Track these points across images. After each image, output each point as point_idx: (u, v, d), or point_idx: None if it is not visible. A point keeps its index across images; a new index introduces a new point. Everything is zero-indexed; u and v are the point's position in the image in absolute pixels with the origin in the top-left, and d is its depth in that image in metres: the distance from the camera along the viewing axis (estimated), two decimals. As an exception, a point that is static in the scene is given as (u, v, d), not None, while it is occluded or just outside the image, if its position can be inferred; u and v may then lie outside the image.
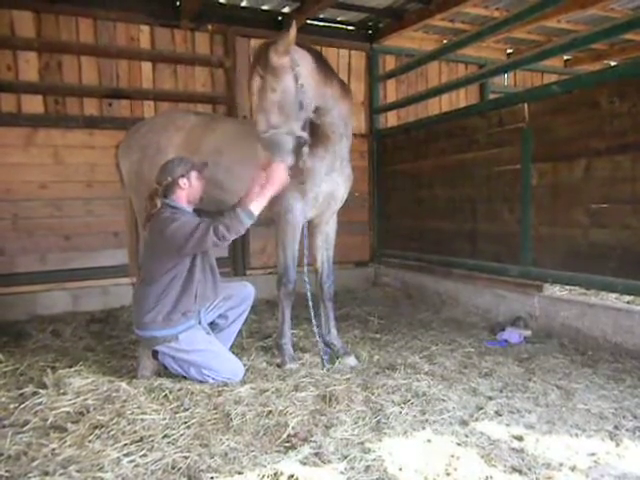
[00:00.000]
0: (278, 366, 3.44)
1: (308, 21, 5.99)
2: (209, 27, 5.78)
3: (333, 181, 3.48)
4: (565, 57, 8.13)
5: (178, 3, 5.51)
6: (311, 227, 3.75)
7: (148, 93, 5.59)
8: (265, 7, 5.96)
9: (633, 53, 7.39)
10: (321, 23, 6.32)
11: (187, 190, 3.21)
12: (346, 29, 6.52)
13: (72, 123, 5.25)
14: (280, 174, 3.00)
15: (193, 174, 3.23)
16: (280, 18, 6.05)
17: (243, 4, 5.87)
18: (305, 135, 3.08)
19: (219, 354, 3.20)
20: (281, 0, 5.74)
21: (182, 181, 3.19)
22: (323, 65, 3.24)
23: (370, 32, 6.64)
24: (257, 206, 3.04)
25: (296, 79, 2.98)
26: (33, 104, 5.13)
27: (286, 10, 5.98)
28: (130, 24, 5.48)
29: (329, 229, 3.75)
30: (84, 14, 5.26)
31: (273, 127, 2.94)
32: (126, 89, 5.49)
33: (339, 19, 6.39)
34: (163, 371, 3.26)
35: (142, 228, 3.71)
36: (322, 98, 3.18)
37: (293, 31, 2.93)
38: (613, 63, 7.61)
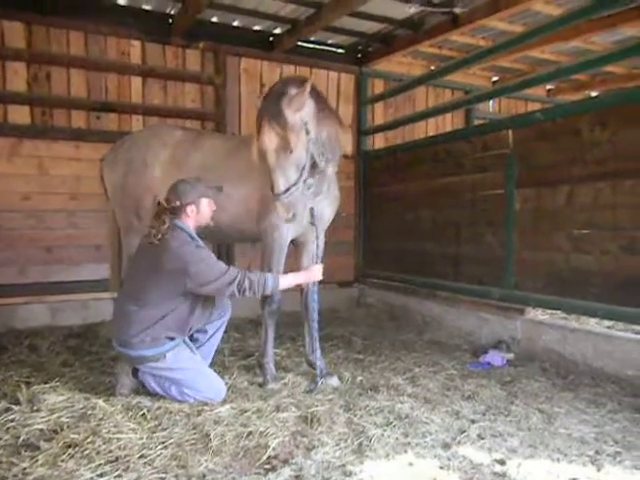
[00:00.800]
0: (260, 386, 3.39)
1: (299, 43, 6.08)
2: (200, 45, 5.83)
3: (319, 203, 3.49)
4: (548, 86, 8.35)
5: (171, 20, 5.56)
6: (298, 246, 3.75)
7: (137, 107, 5.59)
8: (257, 27, 6.03)
9: (613, 85, 7.62)
10: (312, 45, 6.41)
11: (194, 217, 3.16)
12: (336, 52, 6.62)
13: (59, 135, 5.21)
14: (318, 275, 3.32)
15: (203, 201, 3.17)
16: (271, 39, 6.12)
17: (235, 24, 5.93)
18: (313, 182, 3.16)
19: (203, 373, 3.14)
20: (273, 21, 5.82)
21: (190, 208, 3.11)
22: (320, 101, 3.26)
23: (360, 56, 6.75)
24: (285, 283, 3.18)
25: (308, 133, 3.05)
26: (20, 114, 5.09)
27: (277, 31, 6.06)
28: (121, 39, 5.50)
29: (315, 248, 3.73)
30: (75, 27, 5.27)
31: (291, 185, 3.01)
32: (115, 103, 5.48)
33: (329, 42, 6.48)
34: (142, 389, 3.19)
35: (134, 238, 3.64)
36: (320, 133, 3.22)
37: (308, 88, 2.97)
38: (594, 94, 7.82)
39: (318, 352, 3.62)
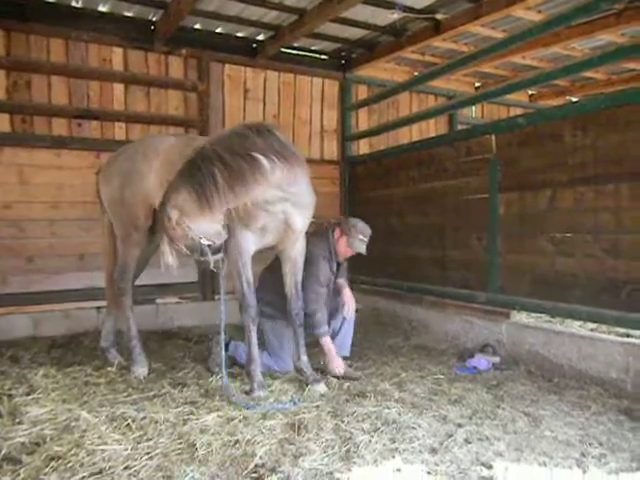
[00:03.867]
0: (247, 393, 3.37)
1: (282, 49, 6.10)
2: (183, 51, 5.81)
3: (285, 212, 3.39)
4: (530, 92, 8.46)
5: (153, 27, 5.53)
6: (279, 254, 3.73)
7: (120, 115, 5.54)
8: (240, 34, 6.03)
9: (592, 90, 7.76)
10: (295, 51, 6.43)
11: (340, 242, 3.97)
12: (320, 58, 6.64)
13: (39, 142, 5.13)
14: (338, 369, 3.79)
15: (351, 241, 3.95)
16: (255, 45, 6.13)
17: (218, 30, 5.92)
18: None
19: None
20: (256, 28, 5.82)
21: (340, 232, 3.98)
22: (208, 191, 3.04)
23: (343, 62, 6.78)
24: (327, 344, 3.82)
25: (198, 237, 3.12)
26: (-1, 122, 5.02)
27: (261, 38, 6.06)
28: (103, 45, 5.45)
29: (296, 254, 3.69)
30: (56, 34, 5.21)
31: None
32: (97, 110, 5.42)
33: (313, 48, 6.50)
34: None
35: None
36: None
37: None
38: (574, 99, 7.95)
39: (305, 358, 3.61)
